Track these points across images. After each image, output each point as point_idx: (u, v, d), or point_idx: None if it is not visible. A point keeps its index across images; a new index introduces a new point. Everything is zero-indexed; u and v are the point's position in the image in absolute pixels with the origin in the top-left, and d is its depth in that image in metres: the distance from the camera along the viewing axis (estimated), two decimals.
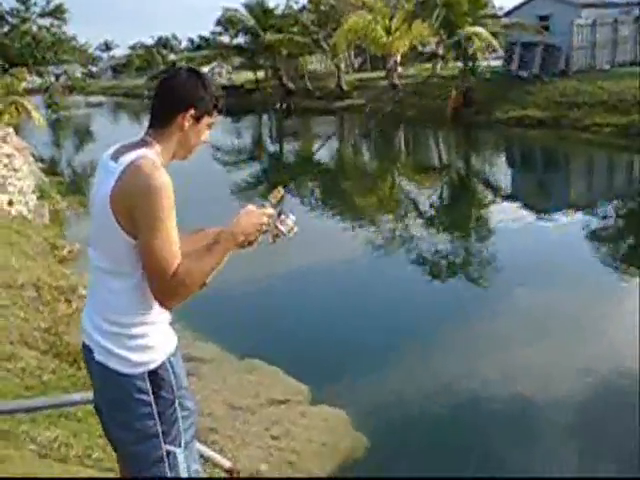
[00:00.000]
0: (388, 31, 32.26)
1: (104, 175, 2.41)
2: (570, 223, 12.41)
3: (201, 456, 4.29)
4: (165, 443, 2.48)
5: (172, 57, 65.67)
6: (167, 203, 2.31)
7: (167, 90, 2.53)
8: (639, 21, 29.28)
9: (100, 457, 4.15)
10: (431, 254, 10.63)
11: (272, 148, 28.99)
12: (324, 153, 25.91)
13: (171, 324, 2.58)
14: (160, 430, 2.46)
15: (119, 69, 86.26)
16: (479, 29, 26.88)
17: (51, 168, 21.85)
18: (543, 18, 29.95)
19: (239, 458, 4.71)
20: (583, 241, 10.96)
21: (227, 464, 4.40)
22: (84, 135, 36.30)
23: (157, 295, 2.35)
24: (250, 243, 2.53)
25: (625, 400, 5.75)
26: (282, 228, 2.55)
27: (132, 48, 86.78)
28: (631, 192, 15.63)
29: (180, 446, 2.51)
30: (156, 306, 2.44)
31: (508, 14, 32.37)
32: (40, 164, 20.85)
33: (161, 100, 2.53)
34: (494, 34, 27.40)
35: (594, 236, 11.21)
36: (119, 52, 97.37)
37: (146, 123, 2.53)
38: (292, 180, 19.51)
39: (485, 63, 32.42)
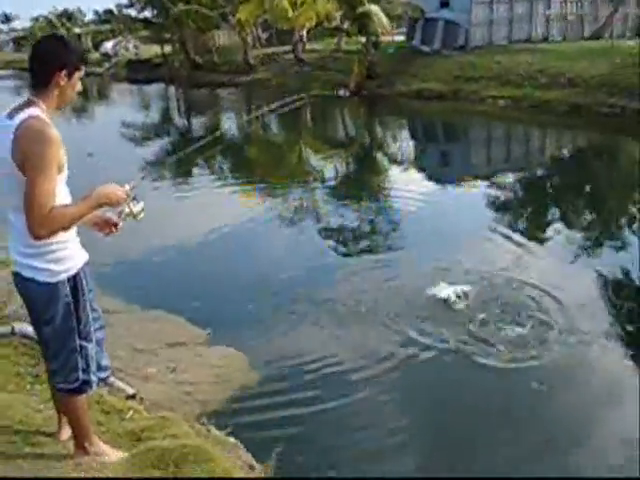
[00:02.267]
0: (293, 5, 32.67)
1: (2, 132, 2.95)
2: (468, 192, 13.27)
3: (109, 384, 4.86)
4: (79, 338, 3.21)
5: (77, 30, 63.97)
6: (52, 152, 2.91)
7: (40, 56, 3.08)
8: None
9: (13, 389, 4.62)
10: (333, 220, 11.17)
11: (180, 122, 29.10)
12: (231, 126, 26.29)
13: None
14: (75, 326, 3.20)
15: (21, 42, 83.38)
16: (374, 7, 27.77)
17: None
18: None
19: (142, 392, 5.23)
20: (480, 209, 11.55)
21: (131, 391, 4.97)
22: None
23: (32, 224, 2.89)
24: (107, 205, 3.17)
25: None
26: (133, 208, 3.32)
27: (35, 20, 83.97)
28: (526, 163, 16.64)
29: (91, 342, 3.27)
30: None
31: None
32: None
33: (37, 65, 3.08)
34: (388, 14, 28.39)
35: (490, 205, 11.87)
36: (20, 24, 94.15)
37: None
38: (200, 154, 19.88)
39: (389, 37, 33.27)
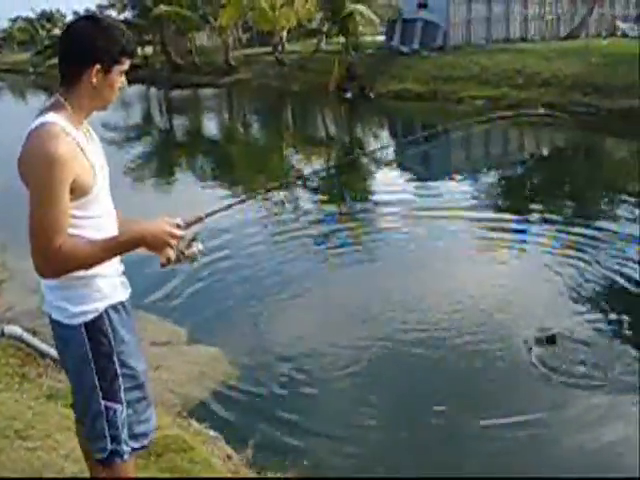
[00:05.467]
0: (273, 7, 32.92)
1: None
2: (450, 190, 13.45)
3: None
4: (104, 398, 2.53)
5: (57, 31, 63.92)
6: (58, 174, 2.26)
7: (67, 45, 2.42)
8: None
9: (2, 388, 4.84)
10: (315, 221, 11.31)
11: (162, 124, 29.25)
12: (213, 128, 26.52)
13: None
14: (98, 384, 2.51)
15: None
16: (360, 6, 28.18)
17: None
18: None
19: None
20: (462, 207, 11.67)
21: None
22: None
23: (34, 260, 2.32)
24: (149, 249, 2.49)
25: None
26: (186, 251, 2.58)
27: (13, 21, 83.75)
28: (505, 161, 17.04)
29: (121, 403, 2.56)
30: None
31: None
32: None
33: (64, 57, 2.43)
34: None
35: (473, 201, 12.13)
36: None
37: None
38: (183, 155, 20.11)
39: (369, 38, 33.59)
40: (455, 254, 9.16)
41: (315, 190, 13.81)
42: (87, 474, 3.00)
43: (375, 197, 13.35)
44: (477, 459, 4.89)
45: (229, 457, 4.35)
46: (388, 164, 16.69)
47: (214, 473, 3.77)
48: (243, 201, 3.09)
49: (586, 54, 23.65)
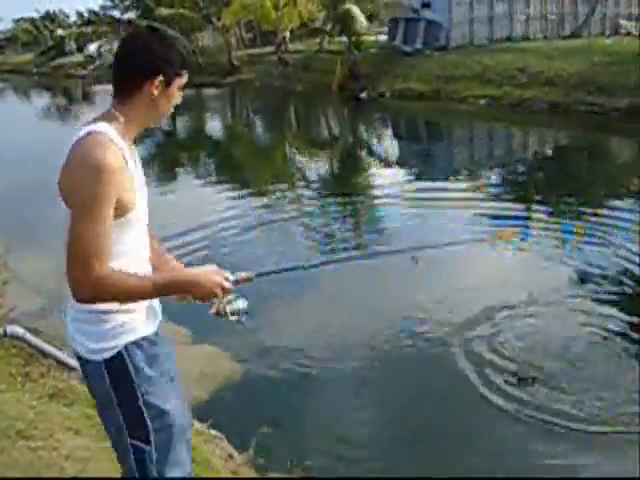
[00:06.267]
0: (276, 7, 32.94)
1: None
2: (454, 189, 13.41)
3: None
4: (130, 437, 2.37)
5: (60, 32, 63.87)
6: (105, 186, 2.12)
7: (129, 56, 2.32)
8: None
9: (5, 389, 4.85)
10: (317, 220, 11.34)
11: (165, 124, 29.22)
12: (217, 127, 26.53)
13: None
14: (123, 422, 2.36)
15: (3, 44, 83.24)
16: (354, 7, 28.41)
17: None
18: None
19: None
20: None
21: None
22: None
23: (73, 281, 2.16)
24: (191, 295, 2.40)
25: None
26: (226, 306, 2.51)
27: (17, 22, 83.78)
28: (508, 160, 16.93)
29: (148, 444, 2.37)
30: None
31: None
32: None
33: (123, 68, 2.32)
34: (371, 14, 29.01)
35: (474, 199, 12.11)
36: (2, 26, 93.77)
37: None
38: (186, 155, 20.11)
39: (372, 38, 33.58)
40: (462, 249, 9.15)
41: (319, 189, 13.85)
42: (87, 474, 3.02)
43: (380, 192, 13.43)
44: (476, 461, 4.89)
45: (230, 457, 4.36)
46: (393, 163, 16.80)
47: (215, 473, 3.78)
48: (296, 268, 2.96)
49: (589, 53, 23.64)
